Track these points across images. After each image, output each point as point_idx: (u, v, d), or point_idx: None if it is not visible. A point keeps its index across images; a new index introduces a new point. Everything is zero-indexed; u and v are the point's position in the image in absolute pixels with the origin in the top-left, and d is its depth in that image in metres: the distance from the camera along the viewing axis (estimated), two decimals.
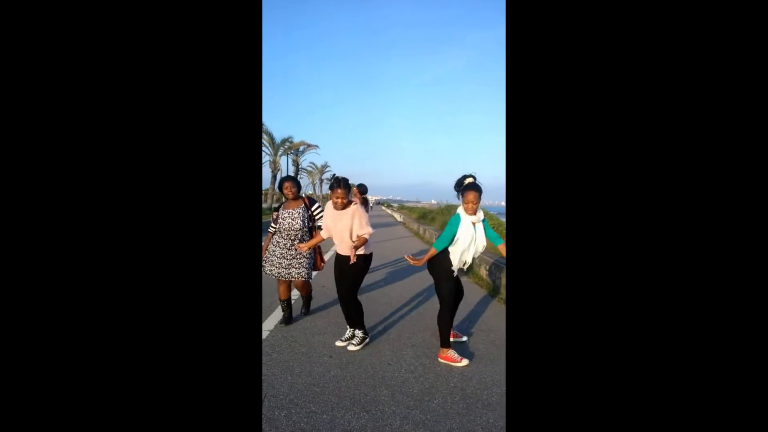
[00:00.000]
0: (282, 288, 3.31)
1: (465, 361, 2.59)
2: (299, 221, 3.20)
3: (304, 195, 3.42)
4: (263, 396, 1.92)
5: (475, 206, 2.55)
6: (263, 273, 3.15)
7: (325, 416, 1.95)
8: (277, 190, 3.28)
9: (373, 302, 4.06)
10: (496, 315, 3.76)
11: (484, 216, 2.72)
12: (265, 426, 1.84)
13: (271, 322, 3.34)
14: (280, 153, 26.28)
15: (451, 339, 2.79)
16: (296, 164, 32.17)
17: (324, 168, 40.77)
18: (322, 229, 2.92)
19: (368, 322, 3.24)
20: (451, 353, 2.64)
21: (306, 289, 3.40)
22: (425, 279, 5.66)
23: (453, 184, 2.67)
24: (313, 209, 3.32)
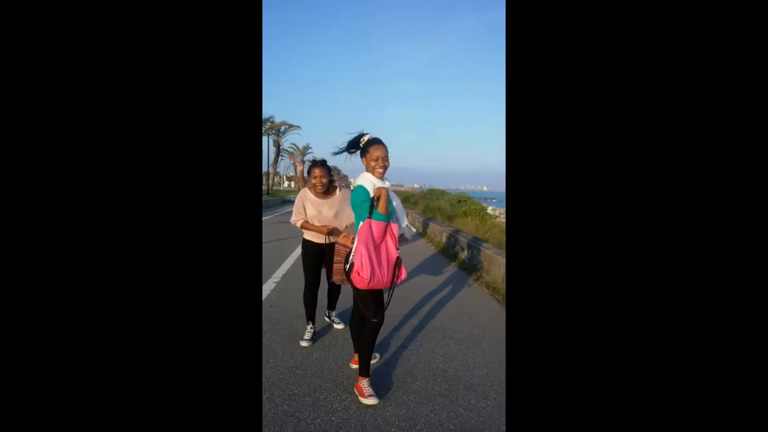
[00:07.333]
0: None
1: (373, 400, 1.90)
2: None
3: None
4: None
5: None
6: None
7: (307, 398, 1.95)
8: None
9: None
10: (472, 294, 3.83)
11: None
12: None
13: None
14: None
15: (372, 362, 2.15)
16: (277, 145, 31.55)
17: (305, 149, 40.19)
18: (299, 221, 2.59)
19: (343, 306, 3.23)
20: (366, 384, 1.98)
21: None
22: (407, 263, 5.69)
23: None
24: None
